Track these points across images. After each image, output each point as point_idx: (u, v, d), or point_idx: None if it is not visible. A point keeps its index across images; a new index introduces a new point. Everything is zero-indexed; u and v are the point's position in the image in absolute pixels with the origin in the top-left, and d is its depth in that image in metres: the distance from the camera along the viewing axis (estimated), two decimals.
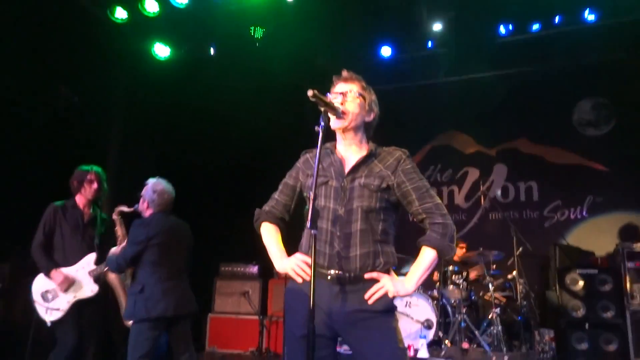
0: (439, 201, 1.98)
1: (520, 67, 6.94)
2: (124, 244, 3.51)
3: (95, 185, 3.87)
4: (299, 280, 1.87)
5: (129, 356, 3.14)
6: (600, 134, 6.82)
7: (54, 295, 3.60)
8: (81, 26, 5.29)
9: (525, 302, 5.44)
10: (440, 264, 5.73)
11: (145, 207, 3.47)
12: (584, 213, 6.69)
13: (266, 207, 2.17)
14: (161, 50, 5.98)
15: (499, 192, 7.16)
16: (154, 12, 5.27)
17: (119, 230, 3.64)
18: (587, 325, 5.06)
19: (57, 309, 3.57)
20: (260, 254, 6.61)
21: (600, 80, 6.72)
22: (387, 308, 1.86)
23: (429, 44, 6.80)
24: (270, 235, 2.10)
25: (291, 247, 2.08)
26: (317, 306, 1.74)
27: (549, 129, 7.03)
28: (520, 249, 5.49)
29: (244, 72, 6.34)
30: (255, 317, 6.67)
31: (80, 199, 3.89)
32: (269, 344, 6.81)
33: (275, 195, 2.17)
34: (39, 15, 4.92)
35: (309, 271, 1.84)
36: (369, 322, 1.83)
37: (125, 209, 3.64)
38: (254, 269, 6.94)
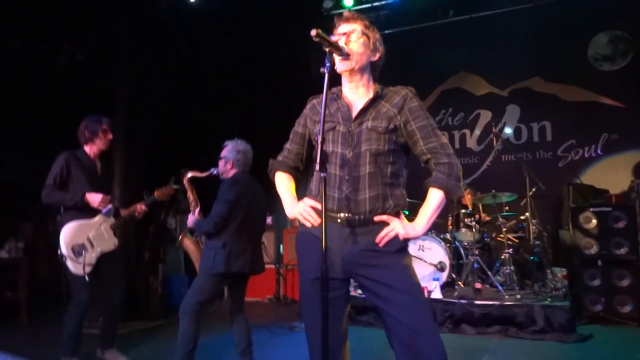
0: (445, 140, 1.94)
1: (532, 2, 6.67)
2: (198, 209, 3.52)
3: (110, 136, 3.78)
4: (308, 224, 1.88)
5: (188, 298, 3.24)
6: (617, 69, 6.61)
7: (83, 249, 3.53)
8: None
9: (538, 242, 5.46)
10: (453, 206, 5.76)
11: (229, 168, 3.45)
12: (599, 151, 6.60)
13: (279, 157, 2.16)
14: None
15: (511, 133, 7.07)
16: None
17: (191, 195, 3.59)
18: (599, 263, 5.10)
19: (90, 264, 3.53)
20: (274, 205, 6.73)
21: (618, 12, 6.44)
22: (399, 248, 1.87)
23: None
24: (282, 183, 2.10)
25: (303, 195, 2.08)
26: (329, 248, 1.76)
27: (563, 66, 6.83)
28: (534, 189, 5.45)
29: (248, 21, 6.18)
30: (272, 266, 6.84)
31: (91, 149, 3.74)
32: (285, 291, 7.03)
33: (287, 144, 2.16)
34: None
35: (317, 216, 1.85)
36: (382, 259, 1.84)
37: (197, 174, 3.58)
38: (269, 220, 7.05)
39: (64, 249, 3.48)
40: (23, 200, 5.95)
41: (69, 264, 3.47)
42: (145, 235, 6.16)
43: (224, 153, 3.49)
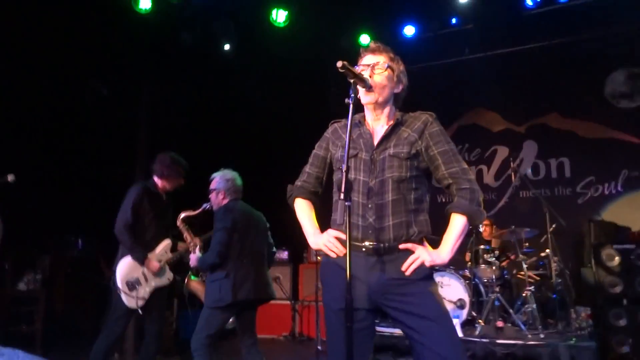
0: (465, 166, 1.94)
1: (548, 40, 6.74)
2: (198, 247, 3.53)
3: (182, 182, 3.85)
4: (333, 255, 1.87)
5: (197, 334, 3.21)
6: (635, 106, 6.59)
7: (138, 283, 3.56)
8: (108, 18, 5.37)
9: (560, 280, 5.34)
10: (472, 242, 5.67)
11: (221, 199, 3.47)
12: (619, 188, 6.51)
13: (298, 182, 2.16)
14: (186, 38, 6.01)
15: (529, 170, 7.02)
16: (178, 0, 5.29)
17: (188, 236, 3.61)
18: (625, 302, 4.94)
19: (143, 298, 3.56)
20: (290, 240, 6.69)
21: (635, 50, 6.47)
22: (425, 275, 1.85)
23: (453, 20, 6.68)
24: (303, 211, 2.10)
25: (324, 219, 2.07)
26: (355, 278, 1.74)
27: (580, 102, 6.83)
28: (554, 225, 5.37)
29: (267, 57, 6.34)
30: (287, 302, 6.74)
31: (162, 184, 3.79)
32: (301, 328, 6.89)
33: (306, 168, 2.16)
34: (67, 10, 5.01)
35: (342, 247, 1.83)
36: (409, 287, 1.82)
37: (190, 213, 3.60)
38: (284, 255, 7.01)
39: (118, 282, 3.53)
40: (41, 233, 6.02)
41: (123, 297, 3.51)
42: None
43: (213, 185, 3.51)
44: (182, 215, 3.62)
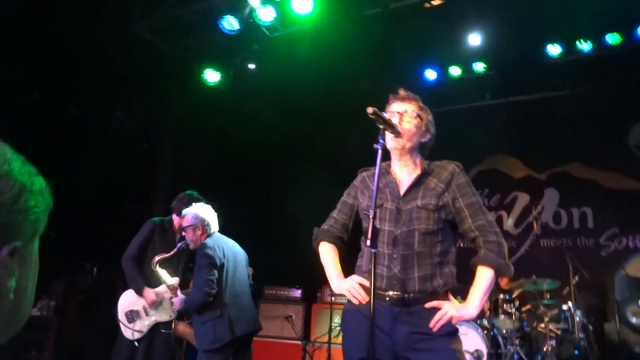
0: (492, 218, 1.93)
1: (570, 88, 6.74)
2: (177, 290, 3.48)
3: None
4: (355, 301, 1.84)
5: None
6: None
7: (137, 316, 3.60)
8: (137, 54, 5.54)
9: (582, 335, 5.13)
10: (491, 291, 5.52)
11: (199, 234, 3.34)
12: None
13: (325, 226, 2.15)
14: (211, 76, 6.16)
15: (550, 219, 6.89)
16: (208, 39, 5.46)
17: (166, 280, 3.56)
18: None
19: (140, 331, 3.57)
20: (304, 278, 6.60)
21: None
22: (449, 331, 1.81)
23: (474, 66, 6.74)
24: (327, 255, 2.08)
25: (347, 267, 2.05)
26: (377, 329, 1.70)
27: (603, 152, 6.74)
28: (577, 277, 5.21)
29: (288, 96, 6.44)
30: (298, 342, 6.60)
31: (177, 221, 3.83)
32: None
33: (334, 213, 2.15)
34: (96, 44, 5.18)
35: (364, 294, 1.80)
36: (431, 342, 1.78)
37: (164, 255, 3.55)
38: (298, 293, 6.91)
39: (119, 313, 3.59)
40: (57, 258, 6.05)
41: (122, 328, 3.56)
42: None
43: (189, 222, 3.37)
44: (157, 258, 3.54)
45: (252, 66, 6.14)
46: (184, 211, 3.44)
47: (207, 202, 3.85)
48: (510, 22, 5.78)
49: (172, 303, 3.61)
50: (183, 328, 3.65)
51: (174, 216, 3.84)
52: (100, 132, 6.10)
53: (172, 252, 3.51)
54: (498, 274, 1.84)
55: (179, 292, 3.44)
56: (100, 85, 5.56)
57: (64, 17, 4.84)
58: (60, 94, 5.50)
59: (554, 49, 6.18)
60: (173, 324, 3.63)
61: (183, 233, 3.44)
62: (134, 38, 5.51)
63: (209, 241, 3.30)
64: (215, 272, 3.15)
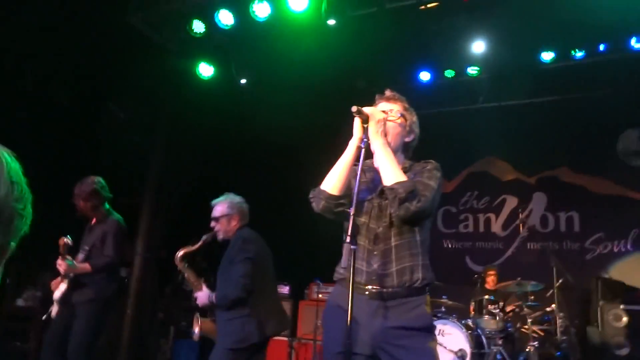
0: (432, 184, 1.91)
1: (562, 94, 6.81)
2: (202, 284, 3.20)
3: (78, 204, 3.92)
4: None
5: None
6: None
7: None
8: (130, 46, 5.52)
9: (565, 337, 5.20)
10: (476, 292, 5.59)
11: (233, 225, 3.17)
12: (629, 247, 6.42)
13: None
14: (205, 70, 6.16)
15: (537, 221, 6.97)
16: (200, 33, 5.44)
17: (190, 275, 3.28)
18: None
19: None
20: (292, 275, 6.62)
21: None
22: (426, 326, 1.84)
23: (468, 69, 6.78)
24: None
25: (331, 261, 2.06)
26: (356, 322, 1.73)
27: (592, 158, 6.83)
28: (561, 280, 5.28)
29: (282, 93, 6.45)
30: (285, 339, 6.62)
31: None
32: None
33: None
34: (90, 35, 5.16)
35: None
36: (408, 339, 1.80)
37: (190, 248, 3.29)
38: (285, 289, 6.92)
39: None
40: (44, 248, 6.02)
41: None
42: (161, 296, 6.11)
43: (223, 211, 3.18)
44: (181, 253, 3.27)
45: (246, 61, 6.14)
46: (214, 202, 3.28)
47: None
48: (505, 27, 5.83)
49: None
50: (207, 327, 3.23)
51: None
52: (91, 124, 6.08)
53: (197, 245, 3.27)
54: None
55: (204, 287, 3.18)
56: (92, 76, 5.54)
57: (58, 6, 4.82)
58: (52, 85, 5.47)
59: (547, 55, 6.25)
60: (195, 320, 3.29)
61: (212, 224, 3.24)
62: (128, 30, 5.49)
63: (245, 233, 3.14)
64: (251, 265, 2.97)
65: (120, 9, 5.27)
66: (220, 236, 3.22)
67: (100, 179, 3.88)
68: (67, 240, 3.61)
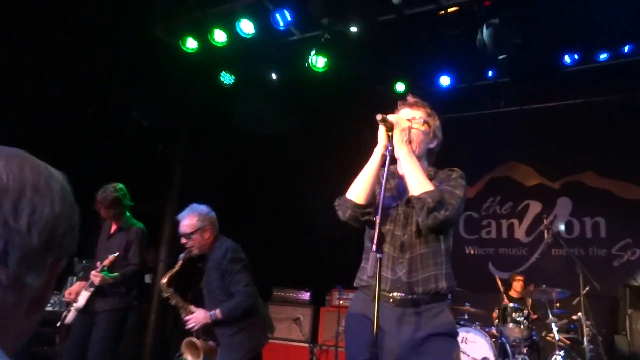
0: (457, 192, 1.88)
1: (585, 97, 6.69)
2: (192, 307, 3.15)
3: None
4: None
5: None
6: None
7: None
8: (154, 55, 5.62)
9: (592, 346, 5.08)
10: (500, 299, 5.50)
11: (207, 237, 3.09)
12: None
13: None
14: (227, 78, 6.23)
15: (562, 227, 6.84)
16: (222, 42, 5.51)
17: (177, 301, 3.26)
18: None
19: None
20: (313, 281, 6.60)
21: None
22: (450, 331, 1.83)
23: (489, 73, 6.71)
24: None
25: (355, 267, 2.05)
26: (381, 330, 1.73)
27: (618, 162, 6.68)
28: (587, 287, 5.16)
29: (303, 100, 6.48)
30: (306, 345, 6.61)
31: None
32: None
33: None
34: (113, 45, 5.27)
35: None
36: (432, 345, 1.79)
37: (171, 272, 3.23)
38: (306, 295, 6.92)
39: None
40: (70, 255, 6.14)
41: None
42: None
43: (192, 227, 3.06)
44: (165, 279, 3.19)
45: (267, 69, 6.19)
46: (180, 216, 3.16)
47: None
48: (526, 30, 5.76)
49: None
50: (208, 348, 3.12)
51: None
52: (116, 131, 6.19)
53: (177, 267, 3.21)
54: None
55: (193, 308, 3.13)
56: (116, 85, 5.65)
57: (84, 17, 4.94)
58: (77, 94, 5.59)
59: (569, 58, 6.15)
60: (191, 345, 3.17)
61: (183, 240, 3.14)
62: (152, 39, 5.59)
63: (227, 243, 3.11)
64: (248, 274, 3.00)
65: (142, 20, 5.38)
66: (196, 251, 3.13)
67: (122, 186, 3.94)
68: (114, 256, 3.72)
